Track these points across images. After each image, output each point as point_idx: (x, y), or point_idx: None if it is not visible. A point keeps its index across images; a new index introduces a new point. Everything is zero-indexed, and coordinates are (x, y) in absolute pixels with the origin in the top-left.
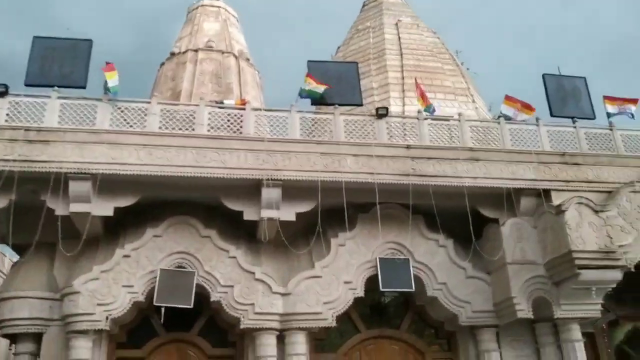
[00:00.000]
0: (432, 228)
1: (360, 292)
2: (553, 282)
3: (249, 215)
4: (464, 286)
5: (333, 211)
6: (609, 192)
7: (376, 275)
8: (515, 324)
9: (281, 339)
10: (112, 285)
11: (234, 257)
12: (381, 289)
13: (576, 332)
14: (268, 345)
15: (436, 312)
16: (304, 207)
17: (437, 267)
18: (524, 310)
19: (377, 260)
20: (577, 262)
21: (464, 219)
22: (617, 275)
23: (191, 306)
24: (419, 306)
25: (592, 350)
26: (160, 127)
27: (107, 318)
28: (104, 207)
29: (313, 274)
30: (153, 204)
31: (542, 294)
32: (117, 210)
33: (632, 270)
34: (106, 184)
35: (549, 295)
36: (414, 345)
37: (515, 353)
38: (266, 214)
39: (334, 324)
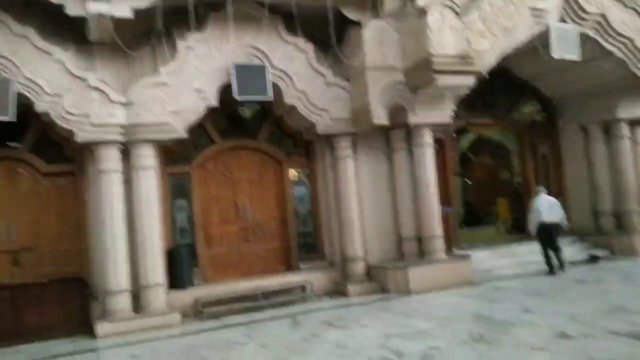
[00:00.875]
0: (291, 31)
1: (214, 102)
2: (410, 89)
3: (72, 9)
4: (323, 94)
5: (181, 10)
6: None
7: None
8: (371, 131)
9: (127, 152)
10: None
11: (61, 62)
12: (236, 97)
13: (427, 138)
14: (110, 159)
15: (294, 122)
16: (142, 1)
17: (296, 73)
18: (380, 117)
19: (232, 66)
20: (435, 67)
21: (326, 22)
22: (471, 80)
23: (11, 118)
24: (277, 116)
25: (440, 155)
26: None
27: None
28: None
29: (158, 80)
30: None
31: (399, 101)
32: None
33: (485, 76)
34: None
35: (406, 101)
36: (272, 155)
37: (369, 159)
38: (94, 7)
39: (185, 135)
